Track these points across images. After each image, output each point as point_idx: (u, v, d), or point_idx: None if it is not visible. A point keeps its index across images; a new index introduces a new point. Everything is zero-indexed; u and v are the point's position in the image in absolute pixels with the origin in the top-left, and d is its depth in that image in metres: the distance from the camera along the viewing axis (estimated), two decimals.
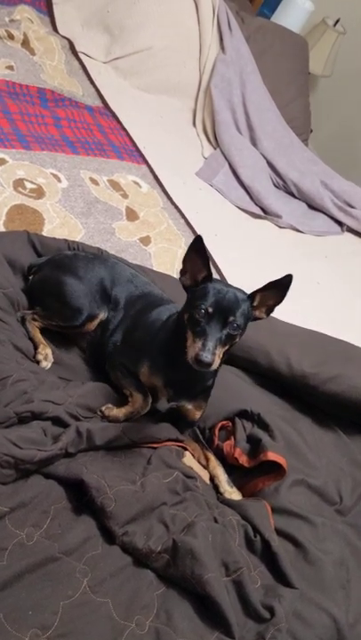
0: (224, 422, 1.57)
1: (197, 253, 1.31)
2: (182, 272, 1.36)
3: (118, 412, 1.36)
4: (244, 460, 1.47)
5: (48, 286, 1.57)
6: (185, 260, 1.34)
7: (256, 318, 1.35)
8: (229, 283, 2.19)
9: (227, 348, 1.28)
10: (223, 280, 2.19)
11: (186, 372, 1.37)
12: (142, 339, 1.49)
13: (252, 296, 1.32)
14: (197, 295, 1.28)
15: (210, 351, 1.21)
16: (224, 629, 1.10)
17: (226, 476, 1.47)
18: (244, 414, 1.58)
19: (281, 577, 1.26)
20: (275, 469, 1.44)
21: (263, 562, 1.29)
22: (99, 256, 1.71)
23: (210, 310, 1.24)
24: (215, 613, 1.11)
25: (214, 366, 1.23)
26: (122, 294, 1.59)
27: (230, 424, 1.57)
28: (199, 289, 1.30)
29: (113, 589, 1.08)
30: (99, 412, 1.35)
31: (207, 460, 1.49)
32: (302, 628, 1.20)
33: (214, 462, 1.48)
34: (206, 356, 1.20)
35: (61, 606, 1.01)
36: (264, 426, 1.54)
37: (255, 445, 1.48)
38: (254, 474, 1.47)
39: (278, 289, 1.31)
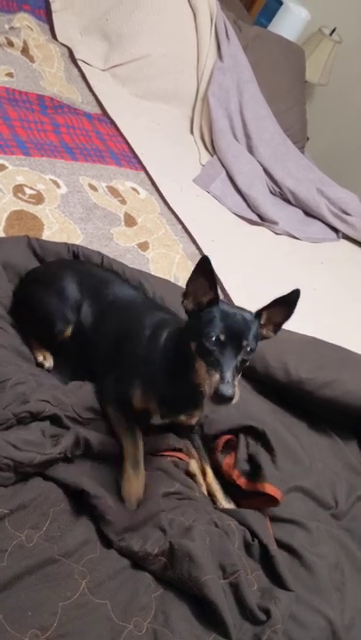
0: (229, 437, 1.53)
1: (204, 275, 1.21)
2: (185, 295, 1.26)
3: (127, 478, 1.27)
4: (241, 481, 1.44)
5: (22, 301, 1.57)
6: (189, 282, 1.24)
7: (264, 337, 1.28)
8: (227, 289, 2.22)
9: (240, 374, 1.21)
10: (220, 283, 2.21)
11: (184, 391, 1.32)
12: (130, 358, 1.41)
13: (258, 314, 1.25)
14: (205, 321, 1.19)
15: (230, 384, 1.11)
16: (221, 631, 1.11)
17: (222, 492, 1.44)
18: (250, 430, 1.53)
19: (277, 580, 1.27)
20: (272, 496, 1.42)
21: (260, 565, 1.30)
22: (74, 263, 1.68)
23: (222, 338, 1.16)
24: (212, 615, 1.12)
25: (235, 399, 1.12)
26: (98, 306, 1.52)
27: (234, 438, 1.53)
28: (205, 313, 1.21)
29: (111, 591, 1.09)
30: None
31: (204, 473, 1.46)
32: (298, 630, 1.21)
33: (211, 477, 1.46)
34: (228, 390, 1.10)
35: (60, 607, 1.02)
36: (268, 447, 1.49)
37: (255, 468, 1.45)
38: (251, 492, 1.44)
39: (285, 305, 1.25)
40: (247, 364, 1.22)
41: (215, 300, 1.23)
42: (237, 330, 1.18)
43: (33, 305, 1.54)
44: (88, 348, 1.52)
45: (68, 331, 1.52)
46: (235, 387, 1.13)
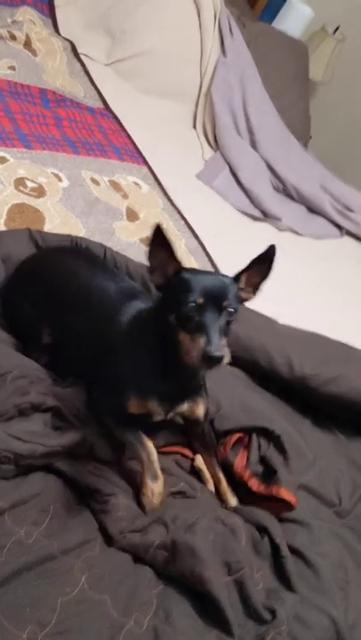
0: (240, 435, 1.49)
1: (161, 246, 1.18)
2: (150, 271, 1.21)
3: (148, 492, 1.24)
4: (253, 483, 1.40)
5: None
6: (150, 257, 1.20)
7: (243, 300, 1.24)
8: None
9: (227, 339, 1.15)
10: None
11: (180, 379, 1.26)
12: (115, 365, 1.33)
13: (237, 278, 1.22)
14: (177, 289, 1.14)
15: (217, 344, 1.07)
16: (223, 628, 1.09)
17: (235, 498, 1.41)
18: (263, 431, 1.49)
19: (285, 581, 1.25)
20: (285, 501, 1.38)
21: (268, 565, 1.27)
22: (40, 265, 1.61)
23: (200, 301, 1.11)
24: (214, 611, 1.10)
25: (226, 360, 1.08)
26: (71, 310, 1.45)
27: (245, 437, 1.49)
28: (175, 282, 1.16)
29: (111, 586, 1.07)
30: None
31: (218, 481, 1.42)
32: (301, 629, 1.18)
33: (225, 485, 1.41)
34: (216, 350, 1.06)
35: (59, 603, 1.00)
36: (282, 450, 1.46)
37: (268, 471, 1.41)
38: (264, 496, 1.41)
39: (263, 264, 1.23)
40: (232, 326, 1.16)
41: (181, 269, 1.19)
42: (215, 291, 1.13)
43: (10, 316, 1.52)
44: (74, 354, 1.46)
45: (49, 339, 1.46)
46: (223, 347, 1.08)
